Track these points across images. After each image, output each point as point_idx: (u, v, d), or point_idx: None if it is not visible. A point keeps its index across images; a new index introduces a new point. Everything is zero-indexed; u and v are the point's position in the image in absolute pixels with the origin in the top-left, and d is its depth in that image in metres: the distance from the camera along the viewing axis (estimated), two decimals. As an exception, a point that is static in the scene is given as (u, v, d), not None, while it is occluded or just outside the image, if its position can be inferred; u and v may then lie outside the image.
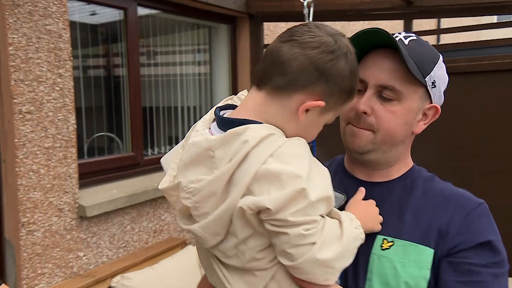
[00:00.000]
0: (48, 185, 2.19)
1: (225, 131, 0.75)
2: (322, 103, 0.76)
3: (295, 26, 0.80)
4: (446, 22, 8.29)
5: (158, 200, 2.83)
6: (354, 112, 0.90)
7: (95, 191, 2.54)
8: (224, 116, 0.81)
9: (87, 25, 2.68)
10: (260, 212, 0.71)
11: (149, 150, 3.08)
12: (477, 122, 2.58)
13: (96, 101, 2.77)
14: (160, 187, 0.81)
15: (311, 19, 2.11)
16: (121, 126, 2.86)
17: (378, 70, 0.88)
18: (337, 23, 5.40)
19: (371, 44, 0.90)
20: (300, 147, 0.75)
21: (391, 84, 0.87)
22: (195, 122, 0.84)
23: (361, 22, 5.75)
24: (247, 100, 0.82)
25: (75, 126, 2.31)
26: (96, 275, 2.31)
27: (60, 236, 2.25)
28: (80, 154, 2.46)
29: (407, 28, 3.21)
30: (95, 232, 2.43)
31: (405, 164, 0.96)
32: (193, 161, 0.77)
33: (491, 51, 3.01)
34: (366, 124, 0.89)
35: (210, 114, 0.84)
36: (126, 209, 2.61)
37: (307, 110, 0.77)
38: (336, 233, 0.75)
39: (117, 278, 2.34)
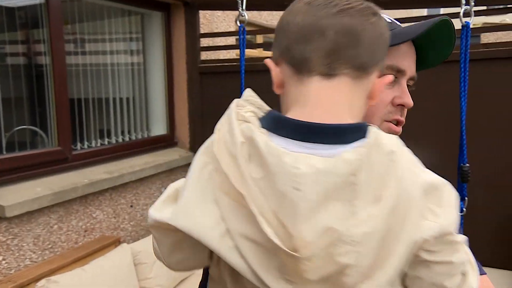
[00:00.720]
0: (-41, 185, 1.99)
1: (327, 143, 0.56)
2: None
3: None
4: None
5: (88, 197, 2.68)
6: (390, 107, 0.78)
7: (16, 189, 2.34)
8: (317, 123, 0.58)
9: (2, 8, 2.45)
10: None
11: (78, 144, 2.90)
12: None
13: (15, 92, 2.56)
14: (301, 254, 0.53)
15: (244, 7, 2.06)
16: (46, 119, 2.66)
17: (412, 61, 0.82)
18: (274, 13, 5.39)
19: None
20: None
21: (416, 76, 0.83)
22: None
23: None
24: (320, 95, 0.60)
25: (-10, 119, 2.11)
26: (17, 280, 2.13)
27: (-25, 240, 2.05)
28: (-3, 150, 2.26)
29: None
30: (16, 234, 2.24)
31: None
32: (327, 196, 0.53)
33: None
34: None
35: (245, 126, 0.58)
36: (52, 207, 2.44)
37: None
38: None
39: (42, 282, 2.17)
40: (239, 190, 0.54)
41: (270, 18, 5.39)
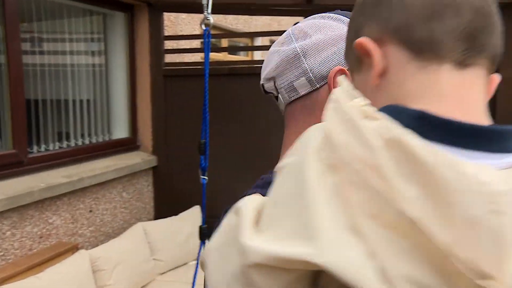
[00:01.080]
0: None
1: (489, 151, 0.43)
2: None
3: None
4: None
5: (45, 201, 2.57)
6: None
7: (-34, 194, 2.23)
8: (483, 125, 0.44)
9: (-47, 3, 2.33)
10: None
11: (35, 147, 2.79)
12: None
13: (-33, 92, 2.44)
14: None
15: (209, 10, 2.05)
16: (0, 120, 2.55)
17: None
18: (240, 17, 5.40)
19: None
20: None
21: None
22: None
23: (264, 17, 5.82)
24: (454, 89, 0.47)
25: None
26: (-34, 290, 2.02)
27: None
28: None
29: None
30: (-35, 241, 2.13)
31: None
32: None
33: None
34: None
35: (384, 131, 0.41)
36: (5, 213, 2.33)
37: None
38: None
39: (-7, 291, 2.07)
40: (406, 215, 0.38)
41: (235, 22, 5.39)
